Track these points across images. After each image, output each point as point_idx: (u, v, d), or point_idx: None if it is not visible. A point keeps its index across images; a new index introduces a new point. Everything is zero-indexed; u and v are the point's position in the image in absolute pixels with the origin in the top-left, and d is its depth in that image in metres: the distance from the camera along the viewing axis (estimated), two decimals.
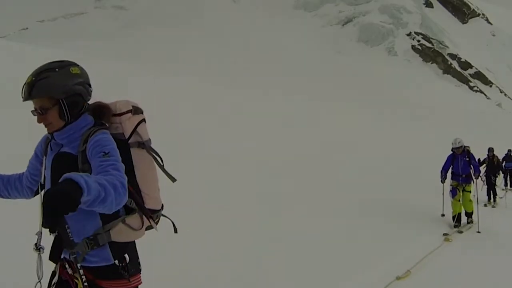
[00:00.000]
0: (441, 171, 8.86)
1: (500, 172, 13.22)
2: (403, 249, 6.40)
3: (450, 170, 8.95)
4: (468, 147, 9.21)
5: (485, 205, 11.84)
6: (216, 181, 8.30)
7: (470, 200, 8.87)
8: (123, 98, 2.18)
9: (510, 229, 9.36)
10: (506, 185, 15.59)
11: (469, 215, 8.98)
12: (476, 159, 12.44)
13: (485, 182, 12.19)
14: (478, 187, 10.91)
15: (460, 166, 8.76)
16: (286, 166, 10.63)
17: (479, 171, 8.91)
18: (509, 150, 16.13)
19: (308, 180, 9.76)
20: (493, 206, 11.95)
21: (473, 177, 8.80)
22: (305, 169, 10.75)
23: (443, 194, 8.94)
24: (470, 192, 8.88)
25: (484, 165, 12.37)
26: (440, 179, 8.86)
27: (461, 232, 8.24)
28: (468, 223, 8.90)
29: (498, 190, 12.82)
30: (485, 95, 57.64)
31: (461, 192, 8.76)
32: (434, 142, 21.57)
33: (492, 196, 12.25)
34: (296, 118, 18.50)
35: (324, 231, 6.47)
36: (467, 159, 8.71)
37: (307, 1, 73.68)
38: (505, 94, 59.78)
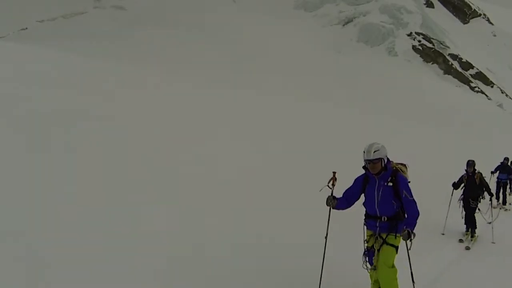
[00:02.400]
0: (339, 205, 4.73)
1: (486, 194, 9.06)
2: None
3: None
4: (403, 165, 4.76)
5: (461, 240, 8.40)
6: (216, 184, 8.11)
7: (392, 267, 4.48)
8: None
9: None
10: (498, 198, 12.90)
11: None
12: (457, 179, 9.06)
13: (463, 208, 8.97)
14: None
15: (376, 199, 4.54)
16: (287, 166, 10.44)
17: (416, 217, 4.47)
18: (505, 159, 13.62)
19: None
20: (467, 248, 8.07)
21: (407, 230, 4.35)
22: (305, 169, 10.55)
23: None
24: (394, 247, 4.51)
25: (462, 185, 9.04)
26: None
27: None
28: None
29: (479, 218, 9.05)
30: (486, 95, 57.39)
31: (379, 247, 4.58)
32: (436, 143, 21.38)
33: (470, 226, 8.80)
34: (295, 117, 18.30)
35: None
36: (390, 184, 4.49)
37: (307, 1, 73.49)
38: (506, 95, 59.54)
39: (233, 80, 34.10)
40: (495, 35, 74.88)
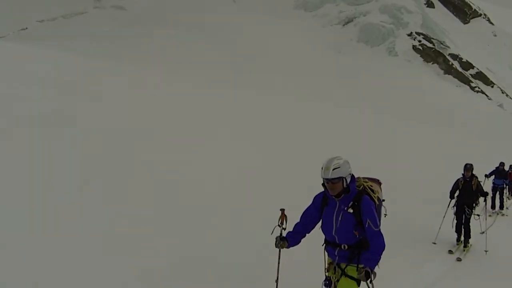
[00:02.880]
0: (289, 234, 4.08)
1: (480, 199, 8.53)
2: None
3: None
4: (375, 182, 4.07)
5: (450, 251, 7.88)
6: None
7: None
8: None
9: None
10: (493, 206, 12.47)
11: None
12: (452, 185, 8.42)
13: (455, 215, 8.35)
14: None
15: (334, 225, 3.77)
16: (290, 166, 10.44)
17: (380, 252, 3.57)
18: (501, 164, 13.11)
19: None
20: (458, 259, 7.55)
21: (366, 269, 3.51)
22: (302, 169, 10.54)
23: None
24: (355, 280, 3.76)
25: (457, 190, 8.47)
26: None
27: None
28: None
29: (473, 225, 8.47)
30: (486, 95, 57.41)
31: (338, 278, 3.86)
32: (436, 143, 21.37)
33: (464, 235, 8.21)
34: (295, 117, 18.31)
35: None
36: (351, 211, 3.67)
37: (307, 1, 73.52)
38: (507, 95, 59.57)
39: (233, 80, 34.09)
40: (495, 35, 74.94)
